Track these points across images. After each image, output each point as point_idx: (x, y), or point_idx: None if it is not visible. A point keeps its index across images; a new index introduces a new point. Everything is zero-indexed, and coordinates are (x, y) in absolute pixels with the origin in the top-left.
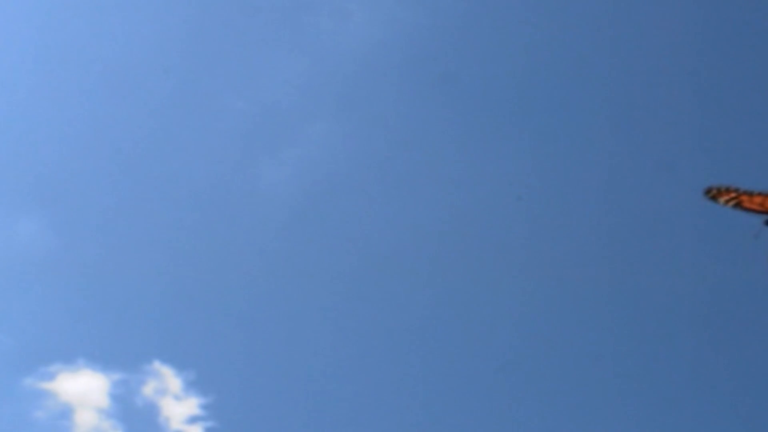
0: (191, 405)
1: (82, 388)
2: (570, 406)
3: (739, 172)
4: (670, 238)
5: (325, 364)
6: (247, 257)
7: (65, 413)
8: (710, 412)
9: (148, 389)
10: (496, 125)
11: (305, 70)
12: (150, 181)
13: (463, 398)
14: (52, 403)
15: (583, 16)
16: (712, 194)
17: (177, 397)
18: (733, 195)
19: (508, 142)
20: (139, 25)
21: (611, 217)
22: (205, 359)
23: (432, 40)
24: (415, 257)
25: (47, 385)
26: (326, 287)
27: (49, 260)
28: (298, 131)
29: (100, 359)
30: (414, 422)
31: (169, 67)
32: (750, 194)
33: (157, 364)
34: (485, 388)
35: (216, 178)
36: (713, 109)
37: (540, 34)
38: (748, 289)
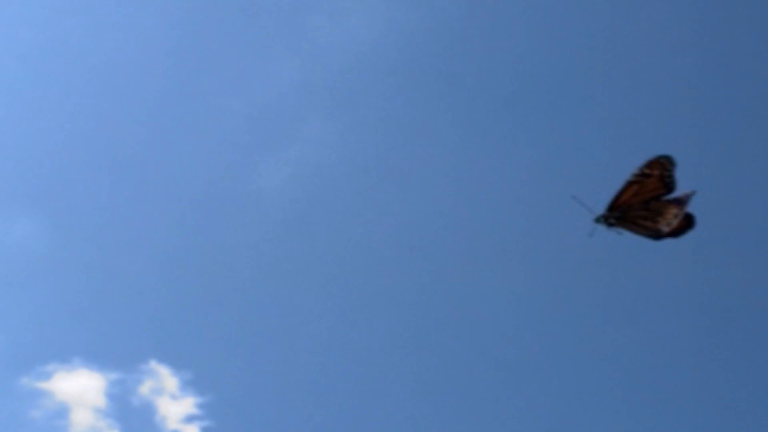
0: (188, 404)
1: (79, 387)
2: (567, 406)
3: (736, 172)
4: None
5: (322, 363)
6: (243, 256)
7: (61, 413)
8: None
9: (145, 389)
10: (493, 125)
11: (302, 69)
12: (146, 180)
13: (460, 398)
14: (49, 403)
15: (581, 16)
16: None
17: (174, 397)
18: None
19: (505, 141)
20: (134, 24)
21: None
22: (202, 359)
23: (429, 39)
24: (414, 256)
25: (43, 385)
26: (323, 286)
27: (45, 259)
28: (295, 131)
29: (97, 358)
30: (412, 422)
31: (166, 66)
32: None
33: (154, 364)
34: (483, 388)
35: (212, 177)
36: (715, 109)
37: (538, 34)
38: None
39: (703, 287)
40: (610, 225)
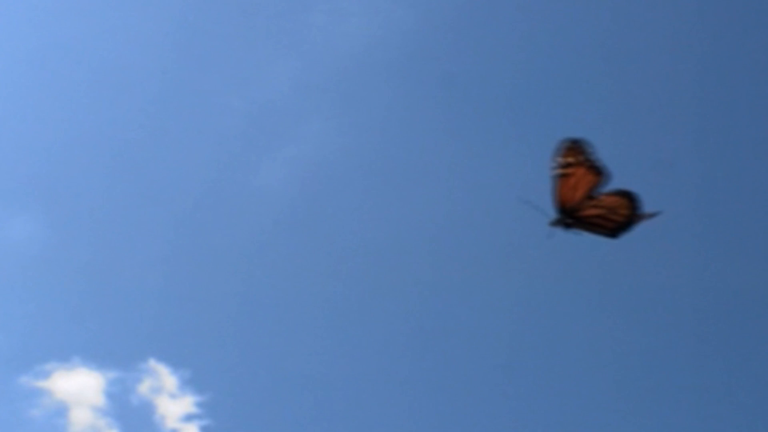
0: (187, 403)
1: (78, 386)
2: (565, 407)
3: (736, 173)
4: (672, 238)
5: (321, 362)
6: (242, 255)
7: (60, 411)
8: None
9: (144, 387)
10: (493, 125)
11: (302, 69)
12: (145, 179)
13: (460, 398)
14: (48, 402)
15: (582, 16)
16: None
17: (172, 396)
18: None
19: (506, 141)
20: (133, 23)
21: None
22: (201, 357)
23: (430, 39)
24: (413, 256)
25: (42, 384)
26: (323, 285)
27: (44, 258)
28: (295, 130)
29: (96, 357)
30: (412, 421)
31: (165, 65)
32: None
33: (153, 363)
34: (483, 388)
35: (211, 176)
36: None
37: (539, 34)
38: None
39: (701, 287)
40: (568, 227)
